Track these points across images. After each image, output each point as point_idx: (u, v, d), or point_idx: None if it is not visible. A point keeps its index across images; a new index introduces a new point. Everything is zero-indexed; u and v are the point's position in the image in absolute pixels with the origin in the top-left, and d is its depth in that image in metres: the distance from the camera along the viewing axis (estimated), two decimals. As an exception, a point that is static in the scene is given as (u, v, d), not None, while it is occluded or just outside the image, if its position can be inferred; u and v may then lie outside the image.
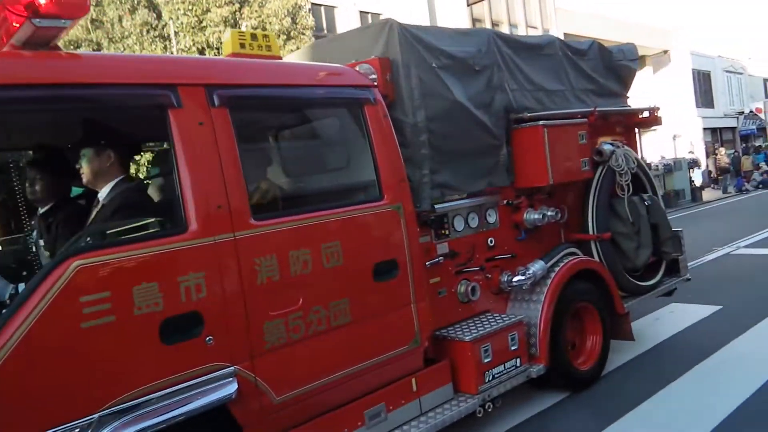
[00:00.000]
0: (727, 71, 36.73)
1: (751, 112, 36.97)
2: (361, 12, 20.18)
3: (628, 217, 5.48)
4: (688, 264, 9.78)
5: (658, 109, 6.19)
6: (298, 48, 12.66)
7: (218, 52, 12.63)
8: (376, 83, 4.06)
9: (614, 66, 6.03)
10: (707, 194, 24.17)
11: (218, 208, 3.09)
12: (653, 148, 26.51)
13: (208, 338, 2.99)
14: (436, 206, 4.36)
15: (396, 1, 20.10)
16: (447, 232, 4.48)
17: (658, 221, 5.75)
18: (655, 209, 5.75)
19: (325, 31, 18.94)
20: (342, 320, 3.55)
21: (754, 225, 13.49)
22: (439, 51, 4.40)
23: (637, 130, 6.36)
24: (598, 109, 5.44)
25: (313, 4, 17.88)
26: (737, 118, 37.15)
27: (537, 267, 4.76)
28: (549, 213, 4.93)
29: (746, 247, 11.22)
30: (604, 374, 5.38)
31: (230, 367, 3.06)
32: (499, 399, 4.34)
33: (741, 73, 38.05)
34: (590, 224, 5.37)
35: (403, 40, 4.18)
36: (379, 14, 19.77)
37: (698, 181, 24.12)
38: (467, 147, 4.54)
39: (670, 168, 22.16)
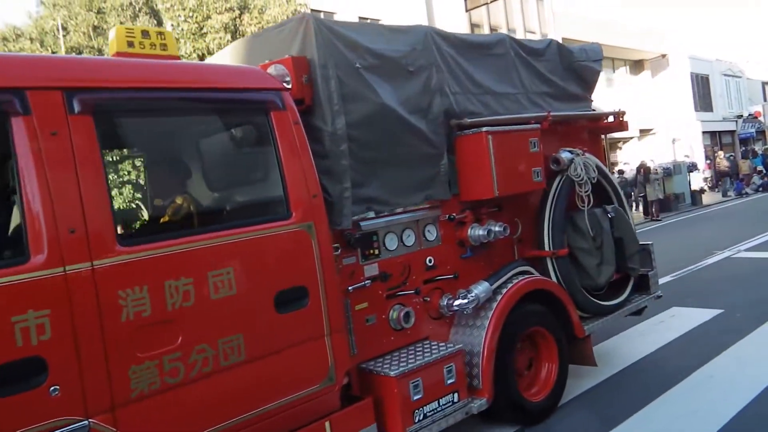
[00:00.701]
0: (725, 75, 36.29)
1: (750, 115, 36.43)
2: (360, 18, 19.81)
3: (589, 231, 4.98)
4: (689, 267, 9.69)
5: (623, 113, 5.68)
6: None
7: (219, 58, 12.38)
8: (289, 86, 3.61)
9: (575, 67, 5.53)
10: (707, 198, 23.80)
11: (71, 233, 2.64)
12: (653, 152, 26.09)
13: (52, 388, 2.53)
14: (362, 223, 3.91)
15: (395, 8, 19.75)
16: (377, 251, 4.01)
17: (623, 235, 5.25)
18: (619, 222, 5.25)
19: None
20: (234, 359, 3.08)
21: (754, 228, 13.30)
22: (364, 49, 3.94)
23: (603, 135, 5.86)
24: (553, 113, 4.95)
25: (312, 10, 17.53)
26: (736, 121, 36.66)
27: (480, 289, 4.27)
28: (496, 228, 4.46)
29: (747, 250, 11.08)
30: (605, 378, 5.22)
31: (83, 421, 2.59)
32: (432, 440, 3.86)
33: (739, 77, 37.58)
34: (546, 239, 4.88)
35: (320, 37, 3.73)
36: (378, 20, 19.38)
37: (696, 184, 23.62)
38: (399, 157, 4.09)
39: (670, 172, 21.79)
